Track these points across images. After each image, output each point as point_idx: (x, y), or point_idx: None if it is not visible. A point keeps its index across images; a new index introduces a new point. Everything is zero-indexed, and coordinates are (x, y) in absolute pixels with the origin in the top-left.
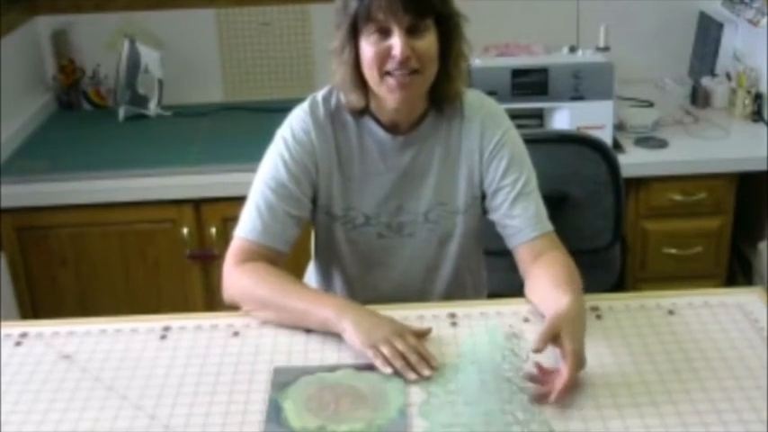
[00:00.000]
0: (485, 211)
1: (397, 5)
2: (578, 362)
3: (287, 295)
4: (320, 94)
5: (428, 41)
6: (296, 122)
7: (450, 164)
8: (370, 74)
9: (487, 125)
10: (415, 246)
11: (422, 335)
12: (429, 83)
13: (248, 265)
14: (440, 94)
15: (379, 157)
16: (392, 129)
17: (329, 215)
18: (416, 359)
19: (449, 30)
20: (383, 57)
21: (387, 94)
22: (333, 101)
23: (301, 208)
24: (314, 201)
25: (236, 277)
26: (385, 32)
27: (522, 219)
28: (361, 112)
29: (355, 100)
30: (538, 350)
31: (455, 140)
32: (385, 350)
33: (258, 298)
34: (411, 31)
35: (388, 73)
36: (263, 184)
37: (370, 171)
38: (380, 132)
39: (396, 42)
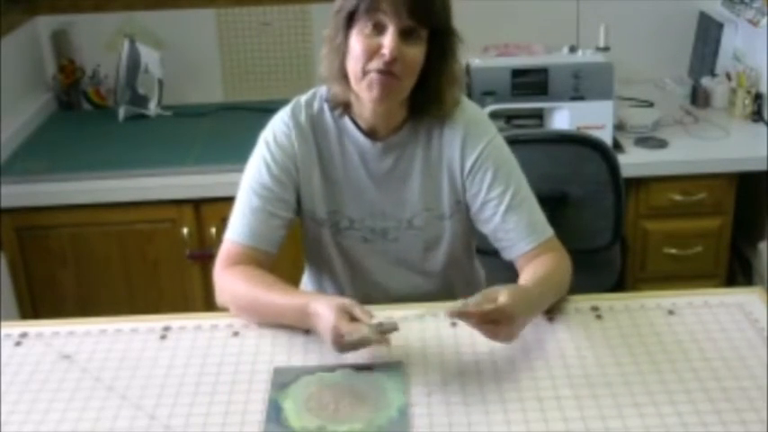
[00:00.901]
0: (475, 224)
1: (401, 5)
2: (498, 311)
3: (268, 298)
4: (303, 98)
5: (416, 51)
6: (278, 126)
7: (432, 170)
8: (354, 68)
9: (470, 134)
10: (400, 250)
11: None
12: (406, 92)
13: (236, 268)
14: (422, 104)
15: (360, 162)
16: (371, 134)
17: (315, 220)
18: (374, 338)
19: (443, 47)
20: (371, 53)
21: (365, 92)
22: (315, 105)
23: (287, 209)
24: (299, 204)
25: (224, 282)
26: (379, 29)
27: (515, 232)
28: (344, 111)
29: (339, 92)
30: (459, 311)
31: (436, 147)
32: (351, 351)
33: (245, 302)
34: (404, 36)
35: (371, 71)
36: (249, 187)
37: (352, 176)
38: (360, 137)
39: (387, 42)
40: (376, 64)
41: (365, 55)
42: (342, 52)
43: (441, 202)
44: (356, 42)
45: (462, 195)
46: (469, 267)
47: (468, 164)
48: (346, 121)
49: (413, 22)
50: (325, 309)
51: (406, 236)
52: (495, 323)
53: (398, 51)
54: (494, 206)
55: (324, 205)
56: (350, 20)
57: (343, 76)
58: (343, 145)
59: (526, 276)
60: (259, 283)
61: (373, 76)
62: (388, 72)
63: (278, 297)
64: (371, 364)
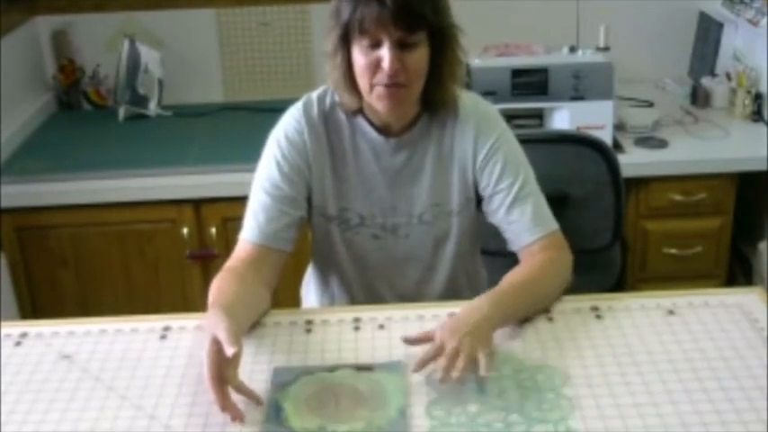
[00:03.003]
0: (484, 216)
1: (387, 19)
2: (436, 350)
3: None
4: (315, 94)
5: (418, 56)
6: (289, 123)
7: (443, 165)
8: (361, 82)
9: (482, 128)
10: (410, 247)
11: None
12: (416, 95)
13: (227, 272)
14: (433, 100)
15: (372, 158)
16: (385, 130)
17: (324, 216)
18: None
19: (443, 41)
20: (373, 68)
21: (376, 103)
22: (327, 100)
23: (297, 207)
24: (309, 201)
25: (213, 281)
26: (376, 43)
27: (519, 224)
28: (356, 112)
29: (349, 101)
30: (406, 341)
31: (448, 142)
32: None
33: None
34: (401, 45)
35: (377, 84)
36: (259, 185)
37: (364, 172)
38: (373, 134)
39: (385, 55)
40: (380, 78)
41: (368, 71)
42: (344, 67)
43: (450, 198)
44: (358, 58)
45: (473, 190)
46: (474, 266)
47: (480, 157)
48: (359, 117)
49: (405, 32)
50: (219, 332)
51: (416, 231)
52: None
53: (399, 62)
54: (501, 198)
55: (334, 202)
56: (345, 37)
57: (351, 87)
58: (355, 141)
59: (505, 280)
60: (221, 292)
61: (380, 90)
62: (393, 84)
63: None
64: (372, 364)
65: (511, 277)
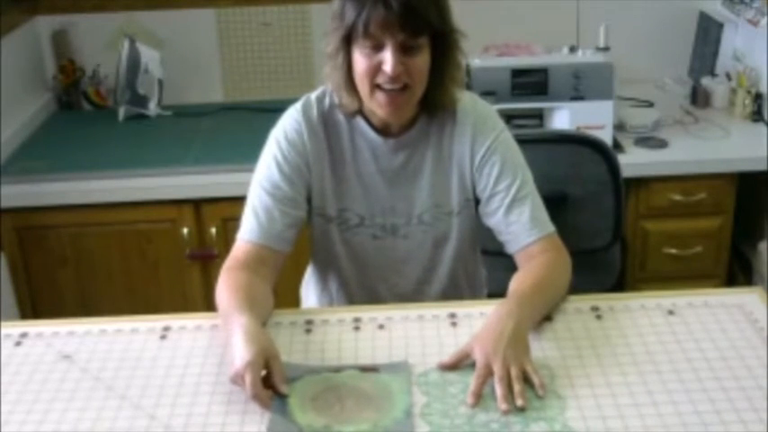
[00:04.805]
0: (482, 218)
1: (393, 23)
2: (484, 372)
3: (227, 310)
4: (314, 95)
5: (421, 59)
6: (288, 123)
7: (442, 166)
8: (362, 85)
9: (479, 129)
10: (410, 247)
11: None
12: (418, 97)
13: (233, 273)
14: (433, 102)
15: (371, 159)
16: (383, 131)
17: (324, 217)
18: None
19: (444, 46)
20: (375, 70)
21: (377, 107)
22: (326, 101)
23: (297, 207)
24: (309, 201)
25: (219, 283)
26: (378, 46)
27: (517, 225)
28: (355, 113)
29: (349, 103)
30: (442, 367)
31: (447, 143)
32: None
33: (220, 311)
34: (404, 48)
35: (378, 86)
36: (259, 185)
37: (363, 172)
38: (372, 134)
39: (388, 58)
40: (382, 79)
41: (369, 73)
42: (345, 69)
43: (449, 199)
44: (359, 60)
45: (472, 192)
46: (474, 266)
47: (478, 158)
48: (358, 118)
49: (409, 36)
50: (252, 344)
51: (415, 232)
52: (491, 375)
53: (401, 65)
54: (500, 199)
55: (334, 202)
56: (348, 39)
57: (351, 89)
58: (354, 141)
59: (511, 287)
60: (236, 294)
61: (382, 95)
62: (395, 88)
63: (232, 307)
64: (377, 365)
65: (524, 279)
